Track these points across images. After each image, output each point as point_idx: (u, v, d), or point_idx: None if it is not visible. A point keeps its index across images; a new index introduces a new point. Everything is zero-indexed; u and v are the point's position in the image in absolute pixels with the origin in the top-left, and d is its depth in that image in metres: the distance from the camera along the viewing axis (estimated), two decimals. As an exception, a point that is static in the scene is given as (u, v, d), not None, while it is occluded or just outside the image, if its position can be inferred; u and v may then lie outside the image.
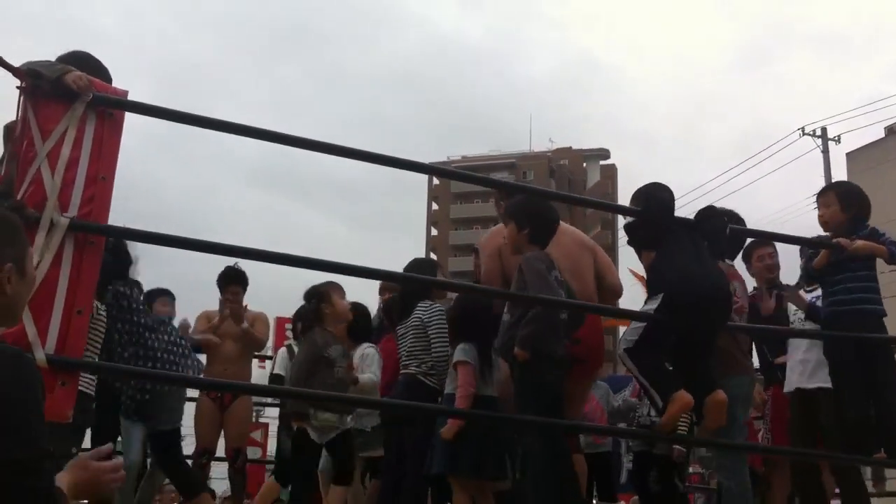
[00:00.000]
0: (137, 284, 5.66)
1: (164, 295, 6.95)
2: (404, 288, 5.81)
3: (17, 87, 3.54)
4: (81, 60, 3.87)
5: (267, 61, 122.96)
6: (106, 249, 3.78)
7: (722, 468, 4.87)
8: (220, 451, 6.94)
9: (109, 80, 3.95)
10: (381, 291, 6.87)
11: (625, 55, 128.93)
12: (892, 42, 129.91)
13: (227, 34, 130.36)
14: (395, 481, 5.42)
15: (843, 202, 5.11)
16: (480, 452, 4.77)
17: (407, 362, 5.53)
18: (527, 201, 4.83)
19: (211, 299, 6.92)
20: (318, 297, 5.71)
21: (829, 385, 5.10)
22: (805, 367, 5.54)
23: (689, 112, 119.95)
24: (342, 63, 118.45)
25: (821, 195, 5.22)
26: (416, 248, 72.80)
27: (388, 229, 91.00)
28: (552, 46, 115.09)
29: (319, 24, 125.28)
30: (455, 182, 74.78)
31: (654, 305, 4.23)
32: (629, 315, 4.76)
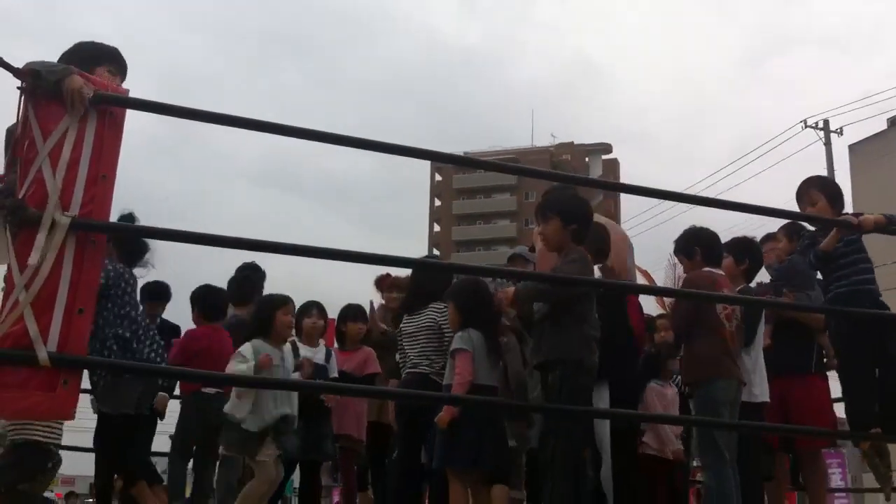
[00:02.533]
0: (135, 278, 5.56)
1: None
2: (417, 286, 5.74)
3: (18, 88, 3.54)
4: (96, 50, 3.88)
5: (263, 66, 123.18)
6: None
7: (705, 467, 4.87)
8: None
9: (124, 66, 3.96)
10: (390, 288, 6.83)
11: (622, 56, 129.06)
12: (891, 43, 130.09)
13: (223, 39, 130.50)
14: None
15: (829, 197, 5.21)
16: (478, 443, 4.75)
17: (417, 362, 5.47)
18: (571, 196, 4.67)
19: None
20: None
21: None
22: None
23: (688, 112, 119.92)
24: (339, 67, 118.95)
25: (804, 193, 5.30)
26: (419, 244, 72.86)
27: (390, 227, 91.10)
28: (548, 49, 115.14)
29: (316, 29, 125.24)
30: (457, 178, 74.96)
31: None
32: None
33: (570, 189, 5.07)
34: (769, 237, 6.25)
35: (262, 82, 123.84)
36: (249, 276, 6.72)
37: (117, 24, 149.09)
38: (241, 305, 6.54)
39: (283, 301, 5.69)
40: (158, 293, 6.89)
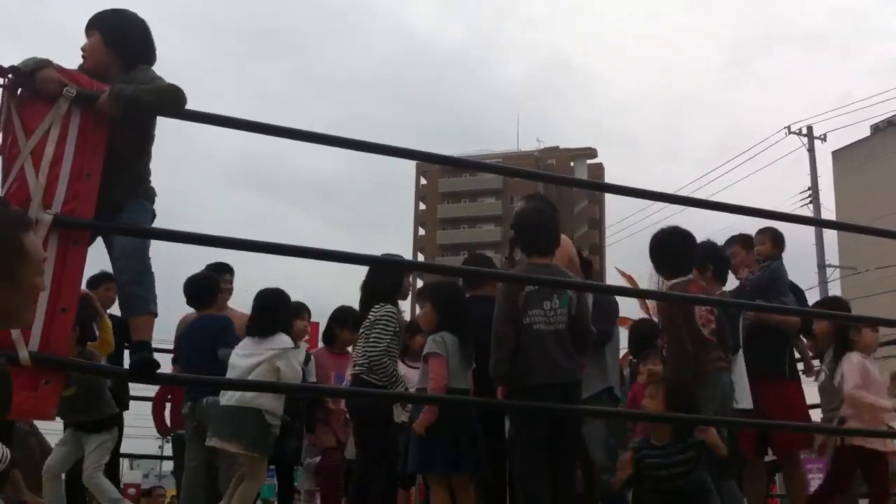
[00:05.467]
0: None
1: (110, 280, 6.07)
2: (369, 289, 5.54)
3: (0, 86, 3.52)
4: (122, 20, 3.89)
5: (245, 65, 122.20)
6: None
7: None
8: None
9: (150, 44, 3.95)
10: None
11: (604, 55, 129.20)
12: (870, 42, 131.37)
13: (204, 37, 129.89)
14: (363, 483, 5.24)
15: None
16: (455, 447, 4.73)
17: (356, 363, 5.36)
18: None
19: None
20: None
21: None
22: None
23: (669, 112, 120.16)
24: (321, 67, 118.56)
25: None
26: (403, 248, 72.73)
27: (374, 231, 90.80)
28: (528, 49, 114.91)
29: (298, 27, 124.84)
30: (443, 181, 74.98)
31: None
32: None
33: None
34: (742, 238, 6.27)
35: (242, 79, 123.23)
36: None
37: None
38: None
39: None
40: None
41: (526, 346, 4.57)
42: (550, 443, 4.53)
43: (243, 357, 5.40)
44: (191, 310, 6.29)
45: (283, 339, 5.50)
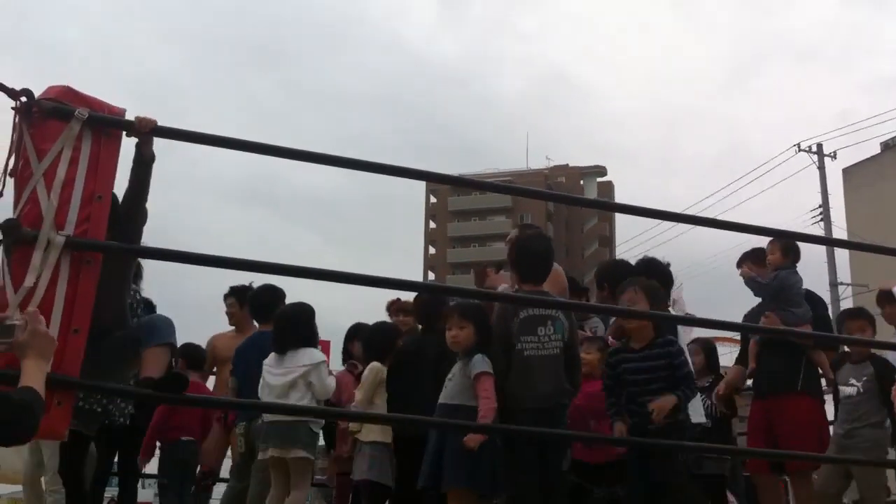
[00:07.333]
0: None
1: None
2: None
3: (13, 108, 3.54)
4: None
5: (238, 79, 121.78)
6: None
7: None
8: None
9: None
10: (397, 312, 6.80)
11: (601, 72, 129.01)
12: (865, 56, 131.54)
13: (197, 50, 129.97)
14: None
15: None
16: (491, 467, 4.75)
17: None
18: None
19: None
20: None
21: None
22: None
23: (667, 128, 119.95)
24: (318, 84, 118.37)
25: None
26: (414, 267, 72.79)
27: (384, 250, 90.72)
28: (524, 64, 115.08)
29: (292, 40, 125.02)
30: (452, 200, 75.11)
31: None
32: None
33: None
34: (753, 254, 6.16)
35: (235, 93, 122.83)
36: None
37: (87, 32, 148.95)
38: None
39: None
40: None
41: (516, 370, 4.76)
42: (540, 465, 4.69)
43: (277, 376, 5.49)
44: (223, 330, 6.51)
45: (313, 354, 5.59)
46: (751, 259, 6.14)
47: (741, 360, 6.32)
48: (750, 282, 6.00)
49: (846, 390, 5.87)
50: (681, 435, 4.75)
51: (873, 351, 6.01)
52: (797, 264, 6.05)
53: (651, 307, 4.91)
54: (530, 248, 5.21)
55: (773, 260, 5.99)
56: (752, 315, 6.07)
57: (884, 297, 6.47)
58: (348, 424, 6.01)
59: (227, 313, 6.97)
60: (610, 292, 5.51)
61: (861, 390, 5.80)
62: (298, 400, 5.41)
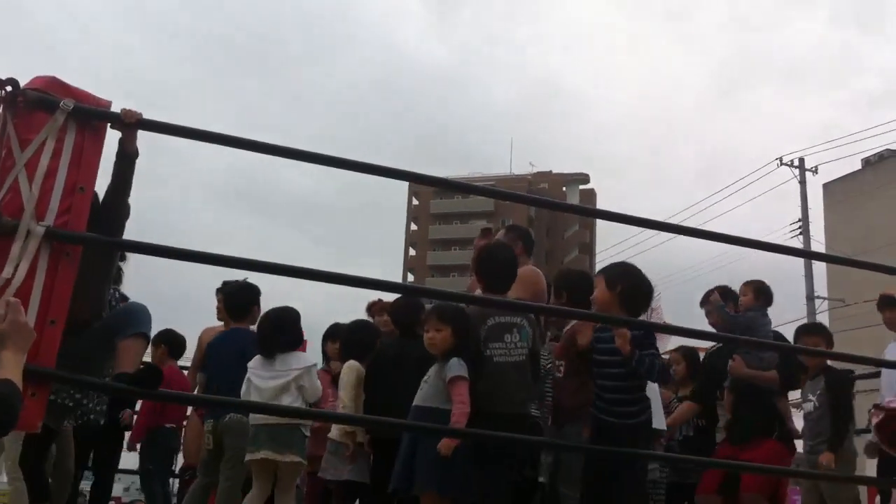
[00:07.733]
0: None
1: None
2: None
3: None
4: None
5: (229, 80, 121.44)
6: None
7: None
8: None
9: None
10: (380, 312, 6.78)
11: (590, 82, 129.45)
12: (849, 74, 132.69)
13: (188, 51, 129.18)
14: None
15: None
16: (468, 471, 4.71)
17: None
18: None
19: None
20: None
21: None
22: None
23: (654, 139, 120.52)
24: (306, 86, 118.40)
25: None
26: (394, 269, 72.72)
27: (364, 252, 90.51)
28: (516, 71, 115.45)
29: (281, 42, 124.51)
30: (435, 203, 75.10)
31: None
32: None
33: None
34: (722, 289, 6.11)
35: (225, 94, 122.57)
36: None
37: (79, 29, 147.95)
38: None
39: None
40: None
41: (487, 375, 4.78)
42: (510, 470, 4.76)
43: (267, 379, 5.45)
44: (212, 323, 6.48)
45: (302, 357, 5.58)
46: (718, 291, 6.06)
47: (697, 397, 6.26)
48: (719, 309, 5.87)
49: (806, 406, 5.96)
50: (636, 437, 4.75)
51: (829, 363, 6.09)
52: (768, 308, 5.88)
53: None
54: (494, 258, 5.18)
55: (745, 301, 5.86)
56: (719, 354, 6.03)
57: (885, 303, 6.45)
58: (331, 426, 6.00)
59: (217, 308, 6.91)
60: (568, 299, 5.49)
61: (817, 405, 5.87)
62: (290, 403, 5.39)
